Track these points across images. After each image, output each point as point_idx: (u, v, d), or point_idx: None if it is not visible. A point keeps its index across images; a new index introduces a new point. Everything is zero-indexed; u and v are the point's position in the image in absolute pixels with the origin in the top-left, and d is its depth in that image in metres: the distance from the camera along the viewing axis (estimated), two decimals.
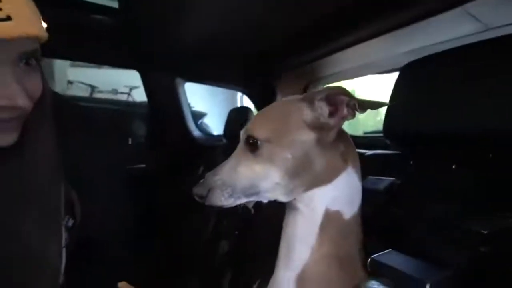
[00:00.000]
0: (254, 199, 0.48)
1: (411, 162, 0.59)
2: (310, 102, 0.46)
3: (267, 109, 0.51)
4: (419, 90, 0.55)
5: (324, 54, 1.24)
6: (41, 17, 0.45)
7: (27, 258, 0.49)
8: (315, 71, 1.43)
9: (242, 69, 1.54)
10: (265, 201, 0.49)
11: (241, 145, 0.49)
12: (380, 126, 0.61)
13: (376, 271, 0.42)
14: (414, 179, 0.58)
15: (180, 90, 1.67)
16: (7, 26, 0.38)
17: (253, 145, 0.46)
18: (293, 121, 0.46)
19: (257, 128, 0.47)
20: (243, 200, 0.48)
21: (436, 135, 0.51)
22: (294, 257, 0.48)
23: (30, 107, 0.46)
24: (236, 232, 0.87)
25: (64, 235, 0.56)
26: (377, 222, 0.54)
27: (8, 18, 0.38)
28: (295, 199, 0.47)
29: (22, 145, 0.48)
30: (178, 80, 1.64)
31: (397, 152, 0.72)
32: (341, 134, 0.49)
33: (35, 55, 0.45)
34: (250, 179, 0.46)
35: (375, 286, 0.39)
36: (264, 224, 0.79)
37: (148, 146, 1.75)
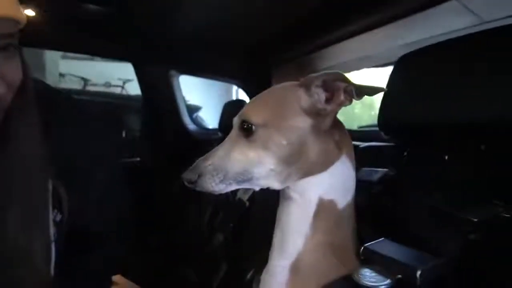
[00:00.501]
0: (246, 186, 0.48)
1: (405, 153, 0.60)
2: (307, 87, 0.46)
3: (263, 94, 0.50)
4: (413, 82, 0.55)
5: (321, 46, 1.23)
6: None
7: (12, 254, 0.48)
8: (311, 64, 1.43)
9: (238, 62, 1.53)
10: (257, 188, 0.48)
11: (234, 131, 0.48)
12: (374, 120, 0.61)
13: (368, 259, 0.43)
14: (407, 170, 0.58)
15: (174, 83, 1.65)
16: None
17: (247, 130, 0.46)
18: (290, 107, 0.46)
19: (253, 112, 0.46)
20: (234, 187, 0.47)
21: (430, 127, 0.52)
22: (288, 246, 0.48)
23: (9, 96, 0.45)
24: (231, 225, 0.87)
25: (52, 230, 0.55)
26: (370, 212, 0.54)
27: None
28: (288, 187, 0.47)
29: (6, 137, 0.47)
30: (173, 73, 1.63)
31: (391, 144, 0.73)
32: (336, 122, 0.49)
33: (13, 40, 0.43)
34: (244, 165, 0.45)
35: (367, 273, 0.40)
36: (259, 217, 0.79)
37: (142, 139, 1.74)
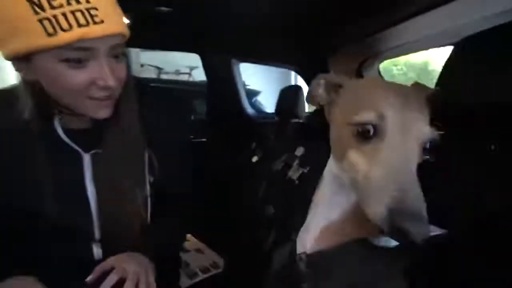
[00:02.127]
0: None
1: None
2: None
3: None
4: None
5: (383, 27, 1.15)
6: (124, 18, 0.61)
7: (121, 195, 0.67)
8: (372, 47, 1.35)
9: (294, 47, 1.54)
10: None
11: None
12: None
13: None
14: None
15: (235, 70, 1.77)
16: (102, 27, 0.55)
17: None
18: None
19: None
20: None
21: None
22: None
23: (118, 89, 0.63)
24: (282, 198, 0.98)
25: (148, 188, 0.73)
26: None
27: (102, 22, 0.55)
28: None
29: (119, 116, 0.66)
30: (234, 61, 1.74)
31: None
32: None
33: (121, 48, 0.61)
34: None
35: None
36: (304, 194, 0.86)
37: (208, 122, 1.93)
